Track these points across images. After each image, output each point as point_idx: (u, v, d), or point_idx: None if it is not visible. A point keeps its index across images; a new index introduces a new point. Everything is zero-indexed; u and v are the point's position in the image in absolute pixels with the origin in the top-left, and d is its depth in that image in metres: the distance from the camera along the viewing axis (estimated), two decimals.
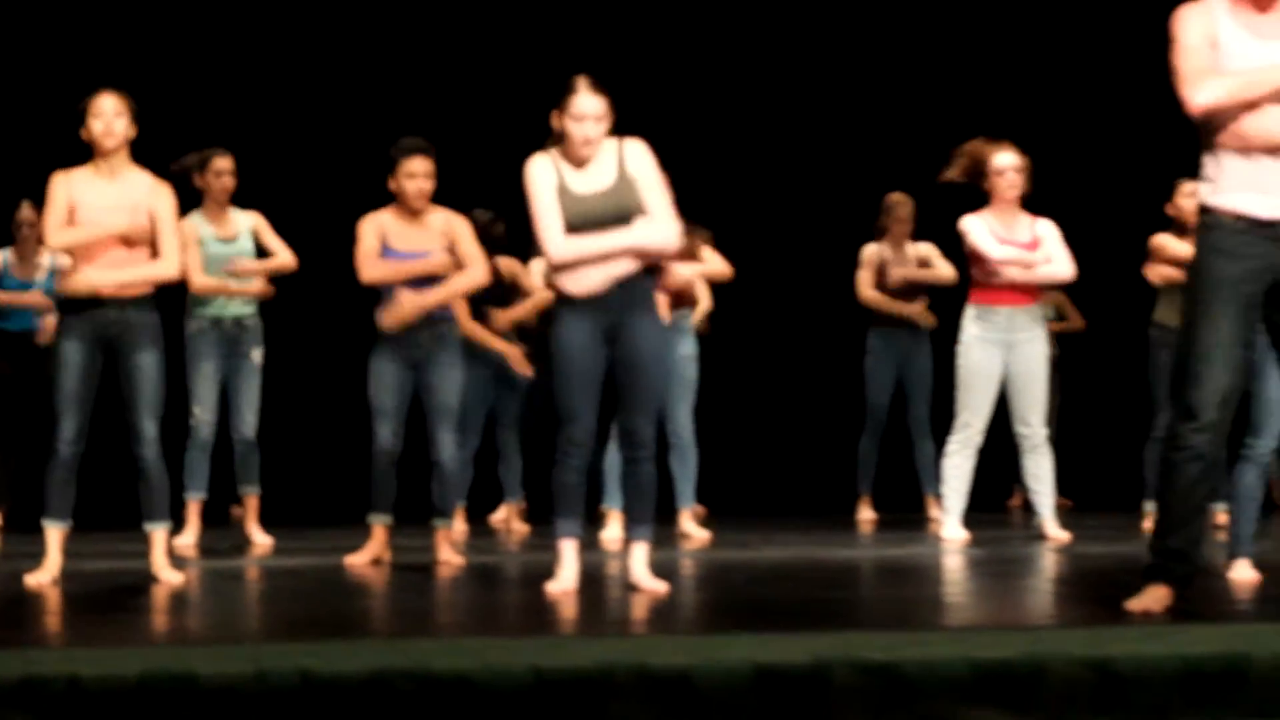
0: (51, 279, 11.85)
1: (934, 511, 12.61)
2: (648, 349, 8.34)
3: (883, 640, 6.40)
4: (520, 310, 11.86)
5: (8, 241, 12.49)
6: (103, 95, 8.81)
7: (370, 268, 9.74)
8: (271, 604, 8.76)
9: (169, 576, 8.89)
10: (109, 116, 8.79)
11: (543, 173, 8.25)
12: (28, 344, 12.40)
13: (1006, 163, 11.03)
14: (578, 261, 8.16)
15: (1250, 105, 7.25)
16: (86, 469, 9.06)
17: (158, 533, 9.00)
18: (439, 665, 5.88)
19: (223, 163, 11.24)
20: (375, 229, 9.78)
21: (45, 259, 12.17)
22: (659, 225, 8.24)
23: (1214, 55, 7.25)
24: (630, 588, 8.25)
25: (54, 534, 8.92)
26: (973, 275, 11.31)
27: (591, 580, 8.44)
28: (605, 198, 8.22)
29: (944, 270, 12.59)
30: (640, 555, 8.37)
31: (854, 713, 5.62)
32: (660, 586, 8.22)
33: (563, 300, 8.36)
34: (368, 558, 9.80)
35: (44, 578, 8.78)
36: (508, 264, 11.84)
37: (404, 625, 7.62)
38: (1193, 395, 7.19)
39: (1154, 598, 7.19)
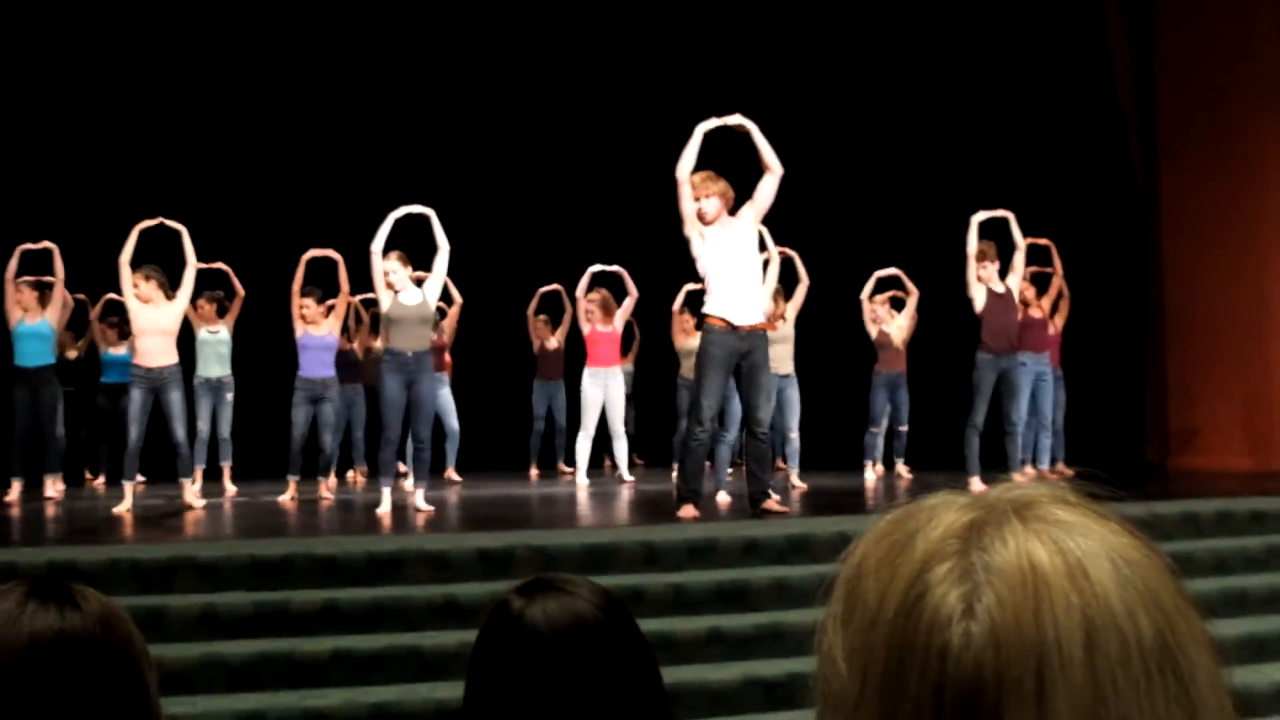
0: None
1: (564, 468, 12.35)
2: (428, 393, 8.28)
3: (543, 535, 6.38)
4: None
5: None
6: None
7: None
8: (239, 520, 8.29)
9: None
10: None
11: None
12: (120, 391, 10.24)
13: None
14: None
15: (723, 259, 7.22)
16: None
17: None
18: (319, 551, 5.77)
19: None
20: None
21: None
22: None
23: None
24: (416, 510, 8.12)
25: None
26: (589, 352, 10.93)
27: (397, 507, 8.29)
28: (416, 309, 8.19)
29: None
30: (421, 494, 8.27)
31: (526, 573, 5.44)
32: (430, 509, 8.11)
33: (386, 364, 8.21)
34: (288, 496, 9.36)
35: None
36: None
37: (302, 530, 7.41)
38: (701, 414, 7.28)
39: (691, 512, 7.22)
